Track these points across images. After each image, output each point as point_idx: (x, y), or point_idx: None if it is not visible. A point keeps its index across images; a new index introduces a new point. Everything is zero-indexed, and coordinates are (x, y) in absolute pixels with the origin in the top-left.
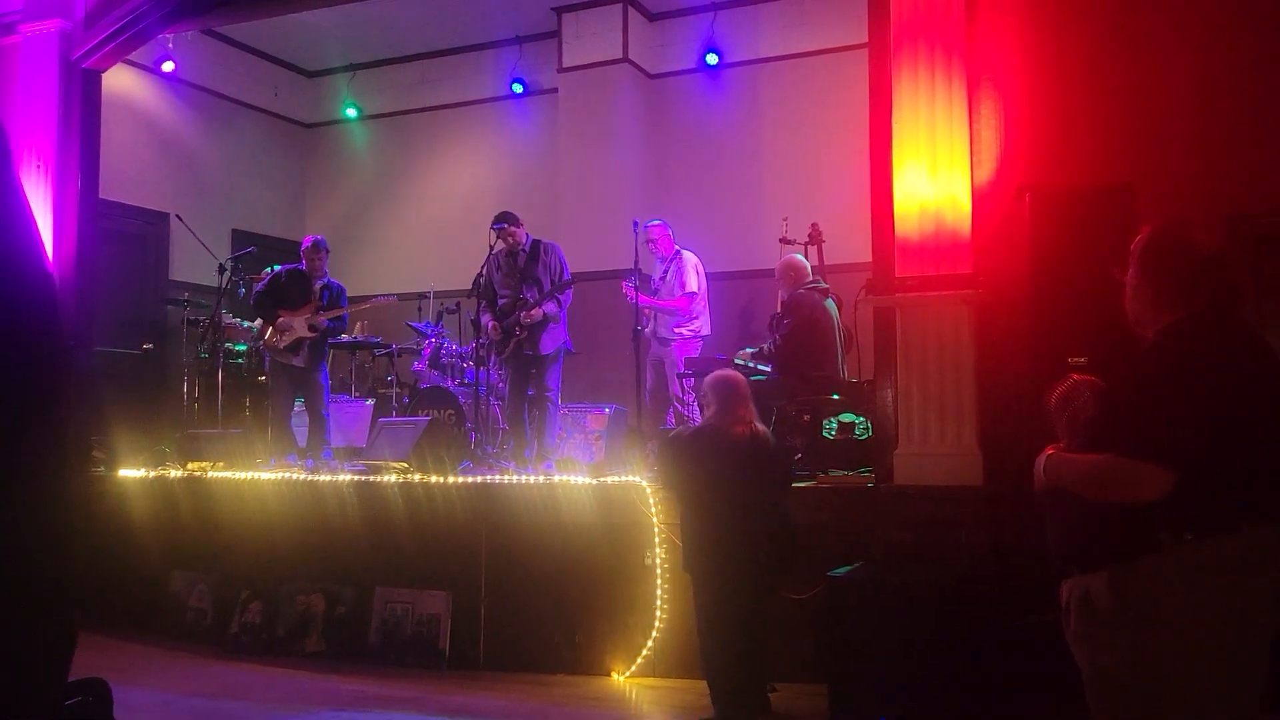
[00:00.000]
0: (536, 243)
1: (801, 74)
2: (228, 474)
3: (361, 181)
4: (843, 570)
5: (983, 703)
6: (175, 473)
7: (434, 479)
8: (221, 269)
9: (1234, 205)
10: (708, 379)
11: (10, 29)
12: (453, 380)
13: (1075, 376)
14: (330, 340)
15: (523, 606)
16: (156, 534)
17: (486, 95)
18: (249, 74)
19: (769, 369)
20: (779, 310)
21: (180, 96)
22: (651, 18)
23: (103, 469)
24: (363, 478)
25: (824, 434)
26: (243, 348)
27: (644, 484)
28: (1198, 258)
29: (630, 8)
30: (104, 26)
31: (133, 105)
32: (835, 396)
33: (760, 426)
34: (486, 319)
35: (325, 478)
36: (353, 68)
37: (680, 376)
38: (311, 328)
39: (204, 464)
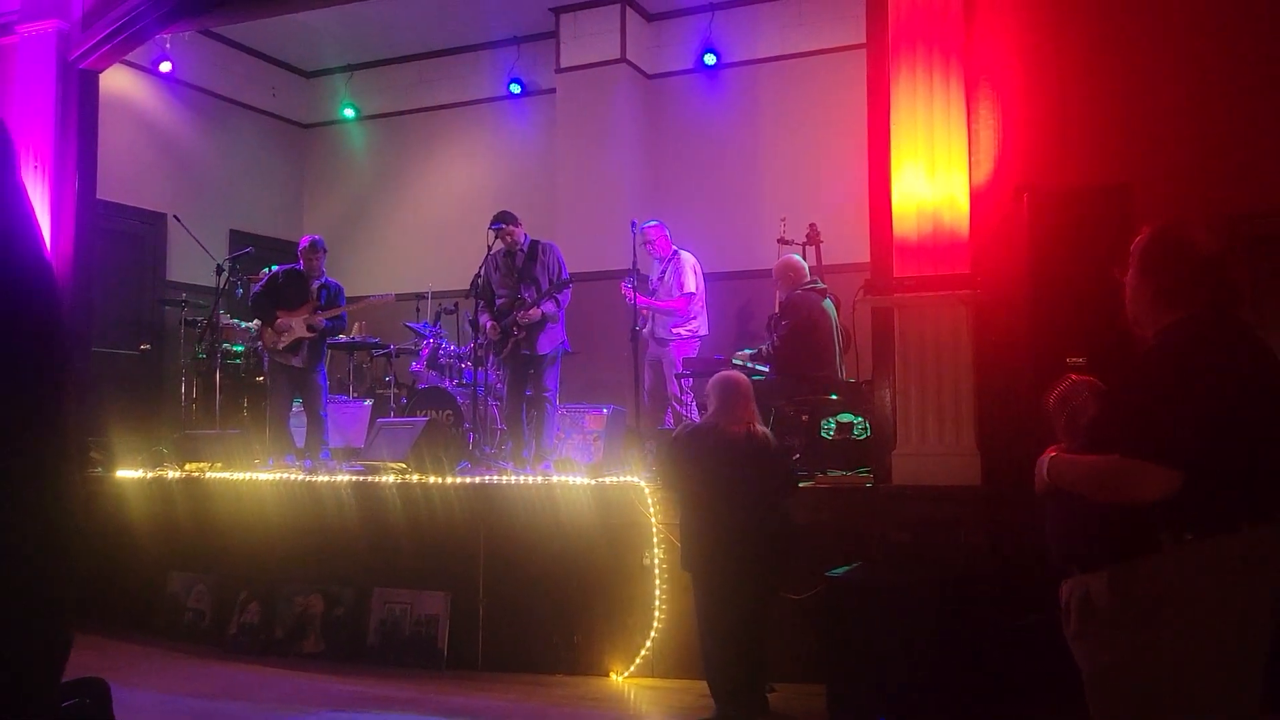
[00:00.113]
0: (535, 243)
1: (799, 74)
2: (226, 475)
3: (359, 182)
4: (841, 570)
5: (982, 703)
6: (173, 473)
7: (432, 480)
8: (219, 269)
9: (1232, 205)
10: (711, 379)
11: (8, 29)
12: (451, 381)
13: (1073, 376)
14: (329, 341)
15: (521, 607)
16: (154, 535)
17: (484, 95)
18: (247, 74)
19: (767, 370)
20: (777, 311)
21: (178, 97)
22: (649, 18)
23: (100, 470)
24: (361, 478)
25: (822, 434)
26: (240, 348)
27: (642, 484)
28: (1198, 258)
29: (628, 8)
30: (102, 27)
31: (130, 106)
32: (833, 397)
33: (760, 427)
34: (485, 319)
35: (323, 478)
36: (350, 68)
37: (678, 377)
38: (310, 328)
39: (202, 465)
